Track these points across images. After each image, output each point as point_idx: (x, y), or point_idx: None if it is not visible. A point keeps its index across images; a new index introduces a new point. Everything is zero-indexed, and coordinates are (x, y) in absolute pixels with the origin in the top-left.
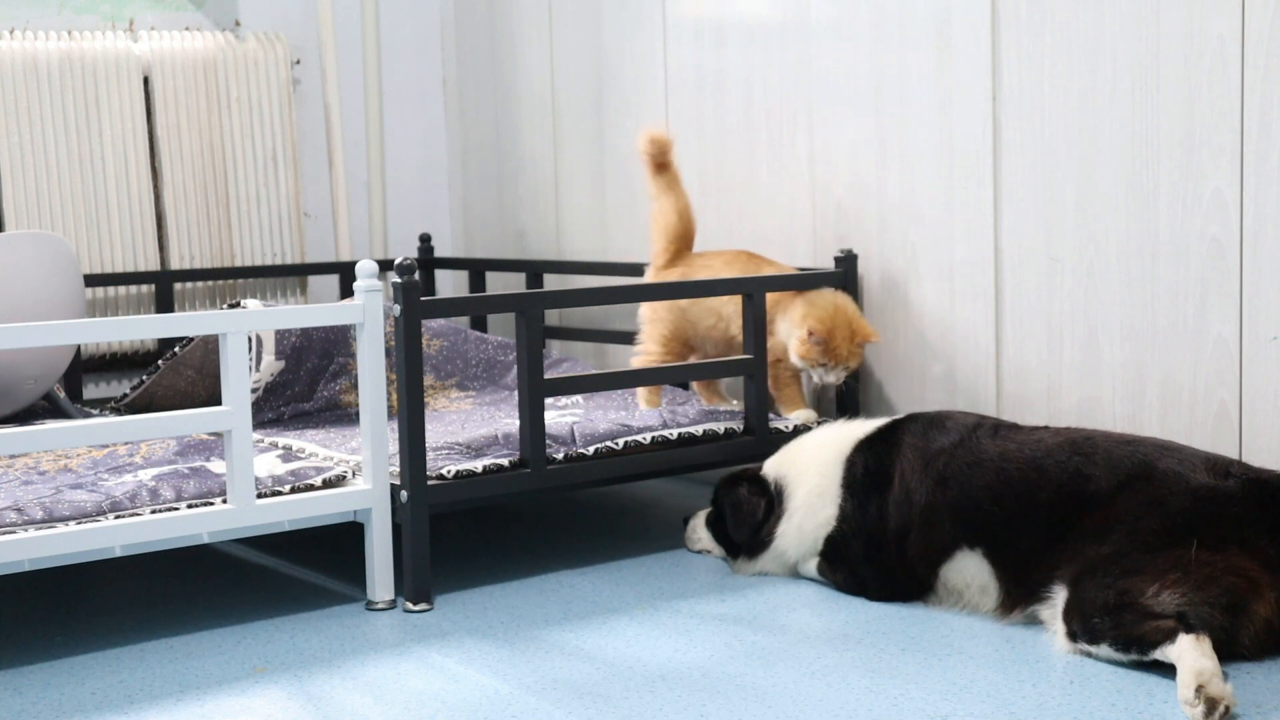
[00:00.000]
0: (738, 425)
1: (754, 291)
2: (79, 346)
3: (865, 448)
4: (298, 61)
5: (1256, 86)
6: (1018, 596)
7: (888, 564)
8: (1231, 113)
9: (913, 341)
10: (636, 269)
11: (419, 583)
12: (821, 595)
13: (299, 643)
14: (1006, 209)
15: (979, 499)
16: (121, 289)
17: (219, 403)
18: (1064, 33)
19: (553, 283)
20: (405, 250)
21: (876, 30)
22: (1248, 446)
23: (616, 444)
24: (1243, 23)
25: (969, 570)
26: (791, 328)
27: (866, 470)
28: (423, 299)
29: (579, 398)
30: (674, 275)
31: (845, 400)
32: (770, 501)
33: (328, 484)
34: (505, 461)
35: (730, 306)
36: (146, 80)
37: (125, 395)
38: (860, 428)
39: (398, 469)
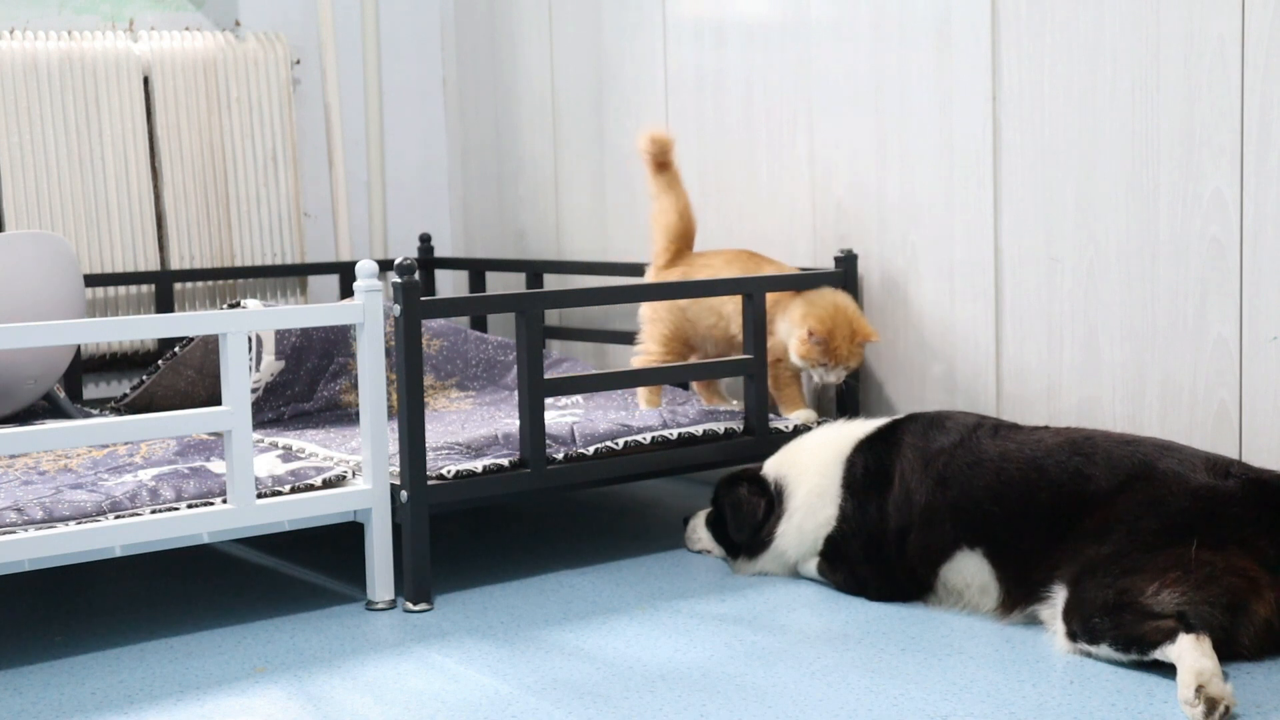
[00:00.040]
0: (738, 425)
1: (754, 291)
2: (79, 346)
3: (865, 448)
4: (298, 61)
5: (1256, 86)
6: (1018, 596)
7: (888, 564)
8: (1231, 113)
9: (913, 341)
10: (636, 269)
11: (419, 583)
12: (821, 595)
13: (299, 643)
14: (1006, 209)
15: (979, 499)
16: (121, 289)
17: (219, 403)
18: (1064, 33)
19: (553, 283)
20: (405, 250)
21: (876, 30)
22: (1248, 446)
23: (616, 444)
24: (1243, 23)
25: (969, 570)
26: (791, 327)
27: (866, 470)
28: (423, 299)
29: (579, 398)
30: (674, 275)
31: (845, 400)
32: (770, 502)
33: (328, 484)
34: (505, 461)
35: (730, 305)
36: (146, 80)
37: (125, 395)
38: (860, 428)
39: (398, 469)
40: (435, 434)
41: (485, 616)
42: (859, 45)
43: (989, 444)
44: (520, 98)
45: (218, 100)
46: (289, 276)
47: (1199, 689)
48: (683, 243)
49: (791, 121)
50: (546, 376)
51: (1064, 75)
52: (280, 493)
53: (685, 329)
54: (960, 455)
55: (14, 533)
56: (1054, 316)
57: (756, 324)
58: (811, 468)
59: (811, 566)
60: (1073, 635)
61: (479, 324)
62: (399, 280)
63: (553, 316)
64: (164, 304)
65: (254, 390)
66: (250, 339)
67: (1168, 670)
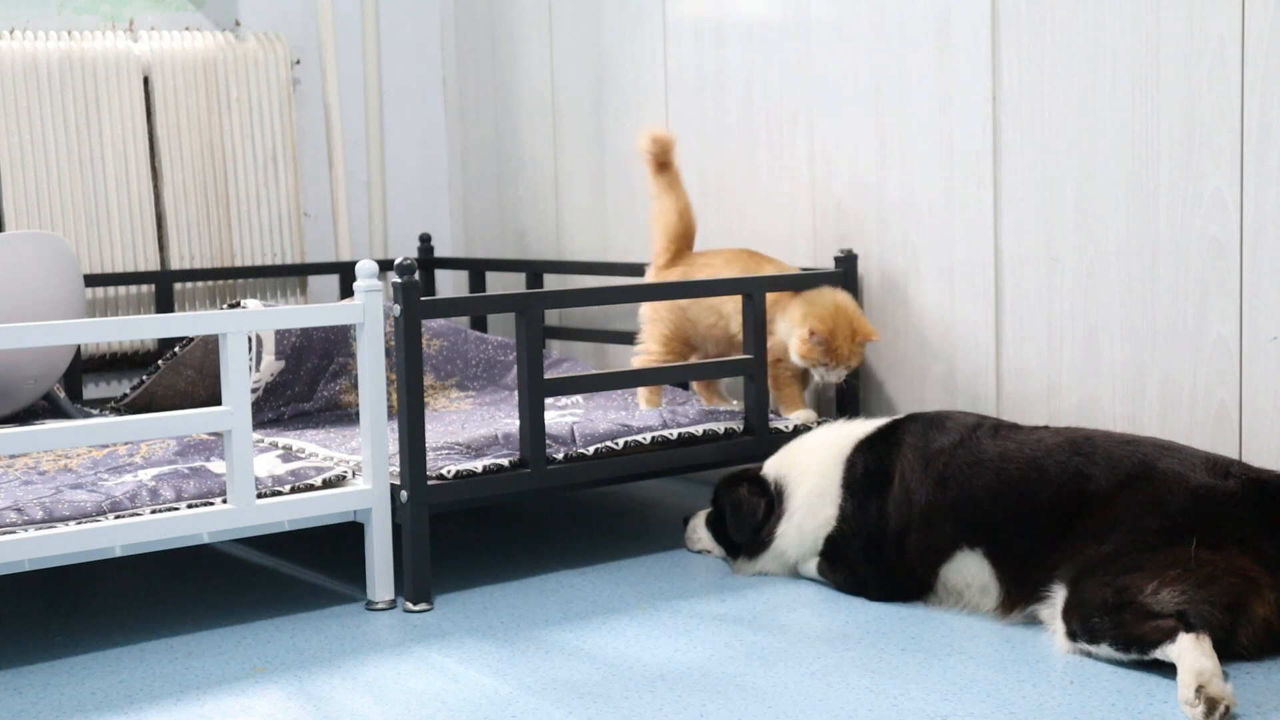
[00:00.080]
0: (738, 425)
1: (754, 291)
2: (79, 346)
3: (865, 448)
4: (298, 61)
5: (1256, 86)
6: (1018, 596)
7: (888, 564)
8: (1231, 113)
9: (913, 341)
10: (636, 269)
11: (419, 583)
12: (821, 595)
13: (299, 643)
14: (1006, 209)
15: (979, 499)
16: (121, 289)
17: (219, 403)
18: (1064, 33)
19: (553, 283)
20: (405, 250)
21: (876, 30)
22: (1248, 446)
23: (616, 444)
24: (1243, 23)
25: (969, 570)
26: (792, 327)
27: (866, 470)
28: (423, 299)
29: (579, 398)
30: (674, 275)
31: (845, 400)
32: (770, 502)
33: (328, 484)
34: (505, 461)
35: (730, 305)
36: (146, 80)
37: (125, 395)
38: (860, 428)
39: (398, 469)
40: (435, 434)
41: (485, 616)
42: (859, 45)
43: (989, 444)
44: (520, 98)
45: (218, 100)
46: (289, 276)
47: (1199, 689)
48: (683, 243)
49: (791, 121)
50: (546, 376)
51: (1064, 75)
52: (280, 493)
53: (686, 329)
54: (960, 455)
55: (14, 533)
56: (1054, 316)
57: (756, 324)
58: (811, 468)
59: (811, 566)
60: (1072, 635)
61: (479, 324)
62: (399, 280)
63: (553, 316)
64: (164, 304)
65: (254, 390)
66: (250, 339)
67: (1168, 670)
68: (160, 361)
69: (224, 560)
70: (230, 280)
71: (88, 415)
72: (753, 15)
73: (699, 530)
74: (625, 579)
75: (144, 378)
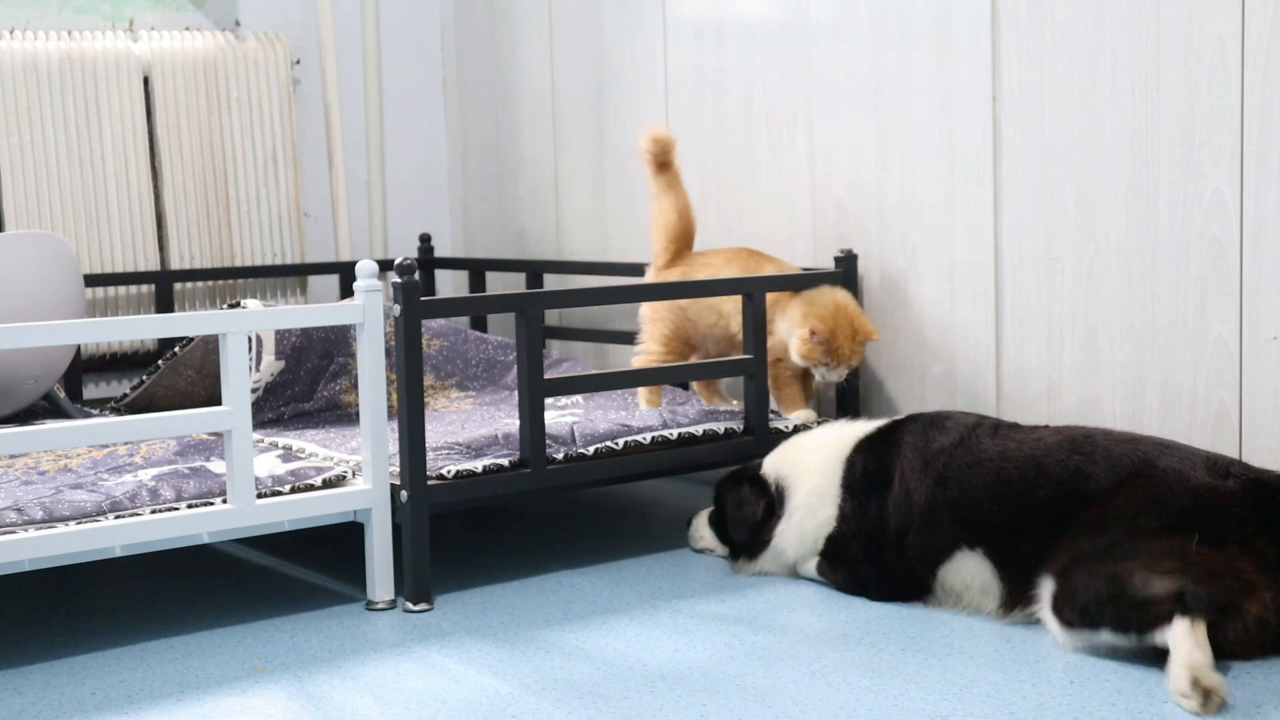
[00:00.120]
0: (738, 425)
1: (754, 291)
2: (79, 346)
3: (865, 448)
4: (298, 61)
5: (1256, 86)
6: (1019, 596)
7: (888, 564)
8: (1231, 113)
9: (913, 341)
10: (636, 269)
11: (419, 583)
12: (821, 595)
13: (299, 643)
14: (1006, 209)
15: (979, 498)
16: (121, 289)
17: (219, 403)
18: (1064, 33)
19: (553, 283)
20: (405, 250)
21: (876, 30)
22: (1248, 446)
23: (616, 444)
24: (1243, 23)
25: (969, 570)
26: (792, 327)
27: (866, 470)
28: (423, 299)
29: (579, 398)
30: (674, 275)
31: (845, 400)
32: (770, 503)
33: (328, 484)
34: (505, 461)
35: (730, 304)
36: (146, 80)
37: (125, 395)
38: (860, 428)
39: (398, 469)
40: (435, 434)
41: (485, 616)
42: (859, 45)
43: (988, 443)
44: (520, 98)
45: (218, 100)
46: (289, 276)
47: (1194, 681)
48: (683, 242)
49: (791, 121)
50: (546, 376)
51: (1064, 75)
52: (280, 493)
53: (686, 328)
54: (960, 455)
55: (14, 533)
56: (1054, 316)
57: (756, 324)
58: (812, 468)
59: (811, 566)
60: (1069, 623)
61: (479, 324)
62: (399, 280)
63: (553, 316)
64: (164, 304)
65: (254, 390)
66: (250, 339)
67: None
68: (160, 361)
69: (224, 560)
70: (230, 280)
71: (88, 415)
72: (753, 15)
73: (701, 529)
74: (625, 579)
75: (144, 378)
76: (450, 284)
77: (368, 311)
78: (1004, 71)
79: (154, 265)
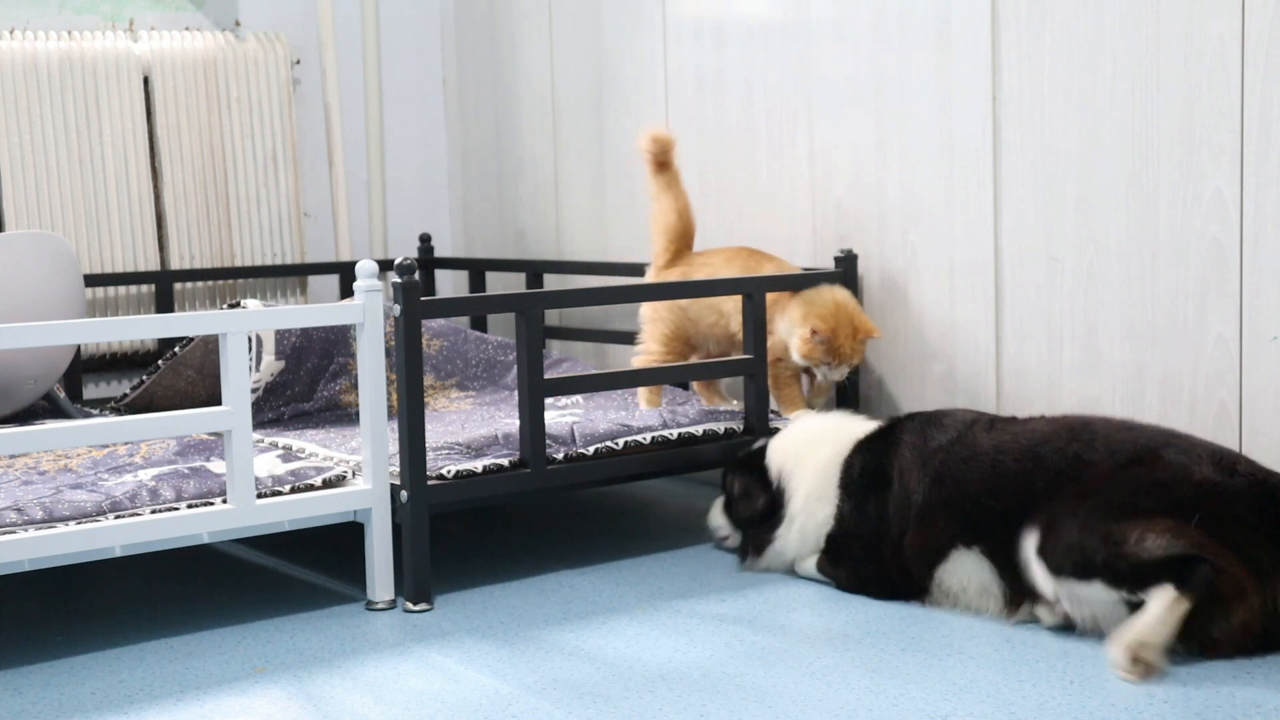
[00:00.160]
0: (738, 425)
1: (754, 291)
2: (79, 346)
3: (865, 447)
4: (298, 61)
5: (1256, 86)
6: (1019, 593)
7: (888, 563)
8: (1231, 113)
9: (913, 341)
10: (636, 269)
11: (419, 583)
12: (821, 595)
13: (299, 643)
14: (1006, 209)
15: (974, 494)
16: (121, 289)
17: (219, 403)
18: (1064, 33)
19: (553, 283)
20: (405, 250)
21: (876, 30)
22: (1248, 446)
23: (616, 444)
24: (1243, 23)
25: (968, 568)
26: (792, 326)
27: (865, 470)
28: (423, 299)
29: (579, 398)
30: (674, 275)
31: (845, 400)
32: (772, 499)
33: (328, 484)
34: (505, 461)
35: (730, 304)
36: (146, 80)
37: (125, 395)
38: (860, 427)
39: (398, 469)
40: (435, 434)
41: (485, 616)
42: (859, 45)
43: (984, 437)
44: (520, 98)
45: (218, 100)
46: (289, 276)
47: (1135, 659)
48: (682, 242)
49: (791, 121)
50: (546, 376)
51: (1064, 75)
52: (280, 493)
53: (686, 328)
54: (956, 451)
55: (14, 533)
56: (1054, 316)
57: (756, 324)
58: (812, 466)
59: (811, 565)
60: (1057, 569)
61: (479, 324)
62: (399, 280)
63: (553, 316)
64: (164, 304)
65: (254, 390)
66: (250, 339)
67: (1168, 670)
68: (160, 361)
69: (224, 560)
70: (230, 280)
71: (88, 415)
72: (753, 15)
73: (717, 518)
74: (625, 579)
75: (144, 378)
76: (450, 284)
77: (368, 311)
78: (1004, 71)
79: (154, 265)
